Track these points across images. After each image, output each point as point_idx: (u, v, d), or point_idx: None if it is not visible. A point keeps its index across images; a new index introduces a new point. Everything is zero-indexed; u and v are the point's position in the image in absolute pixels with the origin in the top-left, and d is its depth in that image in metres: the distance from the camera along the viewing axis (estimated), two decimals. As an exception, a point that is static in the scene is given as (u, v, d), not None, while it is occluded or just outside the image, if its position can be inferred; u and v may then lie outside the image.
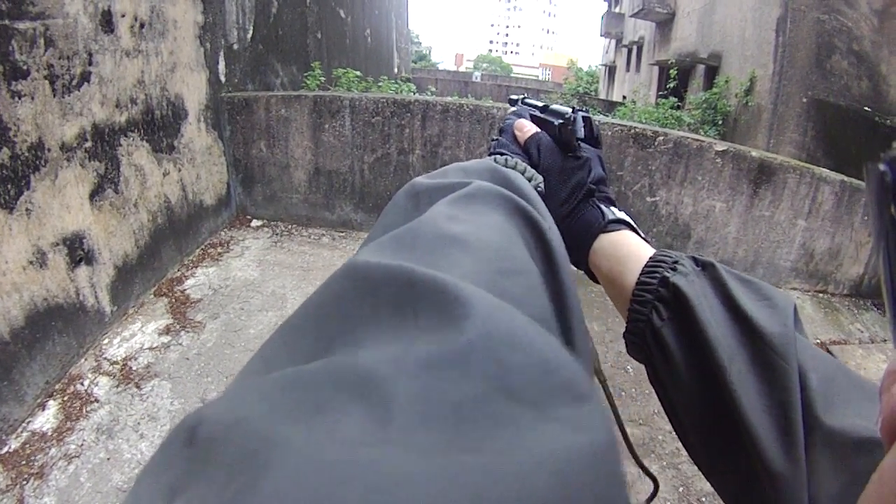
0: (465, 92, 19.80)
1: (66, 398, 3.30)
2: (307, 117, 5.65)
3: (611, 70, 27.50)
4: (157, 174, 4.47)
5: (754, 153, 5.33)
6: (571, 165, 0.76)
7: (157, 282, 4.57)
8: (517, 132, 0.82)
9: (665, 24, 16.34)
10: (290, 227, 6.01)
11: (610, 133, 5.28)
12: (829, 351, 4.64)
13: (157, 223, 4.53)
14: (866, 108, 8.15)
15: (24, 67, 2.96)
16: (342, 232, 5.99)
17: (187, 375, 3.60)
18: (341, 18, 9.89)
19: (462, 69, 59.97)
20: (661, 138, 5.27)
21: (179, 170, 4.81)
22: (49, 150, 3.23)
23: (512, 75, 54.32)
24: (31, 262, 3.13)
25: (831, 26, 8.51)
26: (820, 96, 8.61)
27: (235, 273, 4.94)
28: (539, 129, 0.81)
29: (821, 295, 5.69)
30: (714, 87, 11.01)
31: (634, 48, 20.86)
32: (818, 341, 4.81)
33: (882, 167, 0.40)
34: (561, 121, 0.78)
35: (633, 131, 5.29)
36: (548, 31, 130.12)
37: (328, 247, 5.64)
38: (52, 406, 3.24)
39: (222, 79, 5.48)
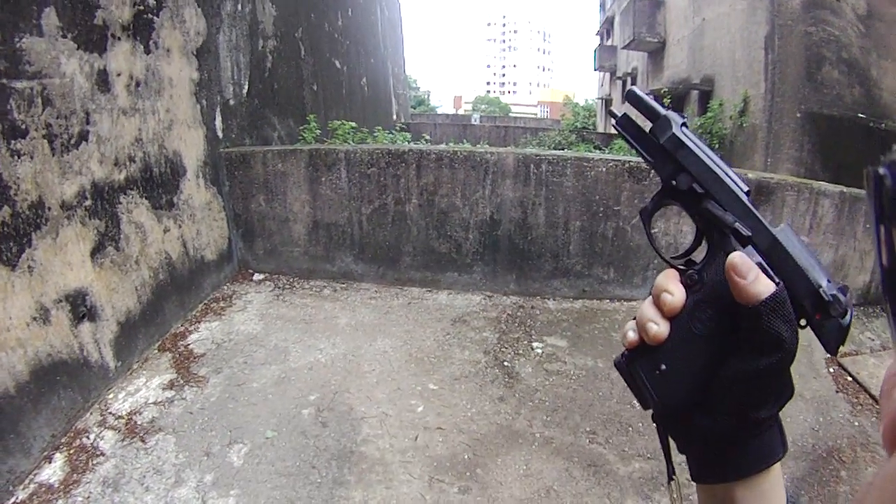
0: (463, 135, 20.06)
1: (72, 451, 3.29)
2: (304, 171, 5.73)
3: (607, 103, 27.77)
4: (157, 231, 4.52)
5: (751, 175, 5.37)
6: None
7: (160, 337, 4.57)
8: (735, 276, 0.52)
9: (657, 53, 16.58)
10: (291, 280, 6.03)
11: (605, 169, 5.34)
12: (840, 364, 4.59)
13: (159, 279, 4.56)
14: (860, 115, 8.18)
15: (23, 126, 3.04)
16: (343, 283, 6.00)
17: (192, 429, 3.58)
18: (337, 69, 10.12)
19: (461, 112, 60.54)
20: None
21: (180, 226, 4.86)
22: (49, 208, 3.29)
23: (511, 115, 54.85)
24: (34, 319, 3.15)
25: (819, 37, 8.59)
26: (813, 109, 8.64)
27: (238, 327, 4.94)
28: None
29: None
30: (708, 112, 11.08)
31: (628, 79, 21.10)
32: (828, 355, 4.73)
33: (882, 171, 0.41)
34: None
35: (627, 165, 5.34)
36: (543, 69, 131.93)
37: (330, 299, 5.65)
38: (59, 459, 3.22)
39: (220, 134, 5.59)
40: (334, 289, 5.89)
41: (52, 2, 3.23)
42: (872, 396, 4.14)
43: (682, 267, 0.60)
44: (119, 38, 3.91)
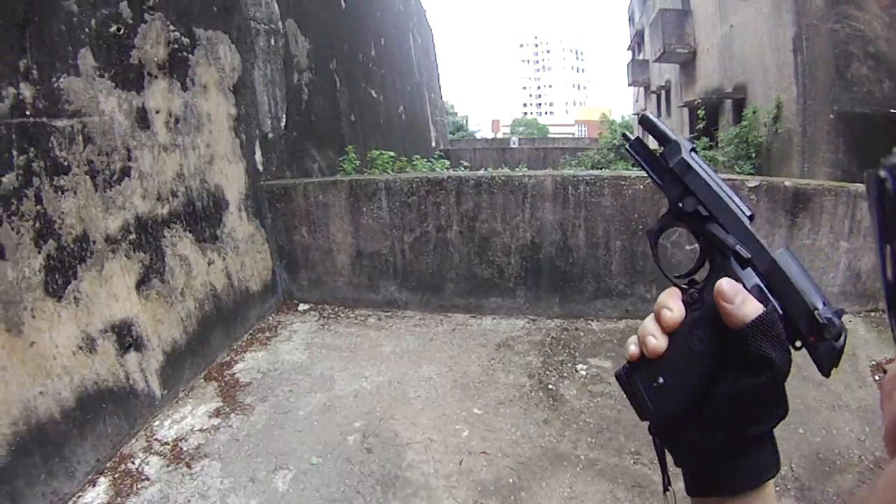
0: (502, 159, 20.11)
1: (116, 476, 3.33)
2: (345, 201, 5.79)
3: (643, 118, 27.65)
4: (201, 263, 4.61)
5: (787, 182, 5.21)
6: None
7: (206, 366, 4.64)
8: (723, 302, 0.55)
9: (688, 64, 16.42)
10: (336, 309, 6.07)
11: (642, 187, 5.26)
12: (885, 371, 4.39)
13: (205, 310, 4.64)
14: (892, 109, 7.94)
15: (65, 163, 3.16)
16: (388, 311, 6.01)
17: (237, 456, 3.58)
18: (373, 98, 10.29)
19: (499, 135, 60.80)
20: (691, 186, 5.21)
21: (224, 258, 4.96)
22: (94, 241, 3.39)
23: (549, 136, 54.79)
24: (80, 348, 3.23)
25: (845, 34, 8.38)
26: (845, 108, 8.40)
27: (284, 357, 4.98)
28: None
29: (872, 314, 5.40)
30: (742, 121, 10.85)
31: (662, 93, 20.94)
32: (874, 362, 4.56)
33: (882, 174, 0.40)
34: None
35: (663, 183, 5.24)
36: (578, 87, 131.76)
37: (374, 327, 5.65)
38: (103, 483, 3.26)
39: (260, 168, 5.71)
40: (379, 317, 5.90)
41: (87, 43, 3.37)
42: None
43: (684, 286, 0.63)
44: (156, 77, 4.04)
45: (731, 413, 0.54)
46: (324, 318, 5.87)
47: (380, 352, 5.07)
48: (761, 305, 0.54)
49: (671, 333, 0.58)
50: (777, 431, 0.56)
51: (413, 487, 3.31)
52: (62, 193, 3.13)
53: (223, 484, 3.31)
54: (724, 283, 0.55)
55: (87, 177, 3.33)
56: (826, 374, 0.56)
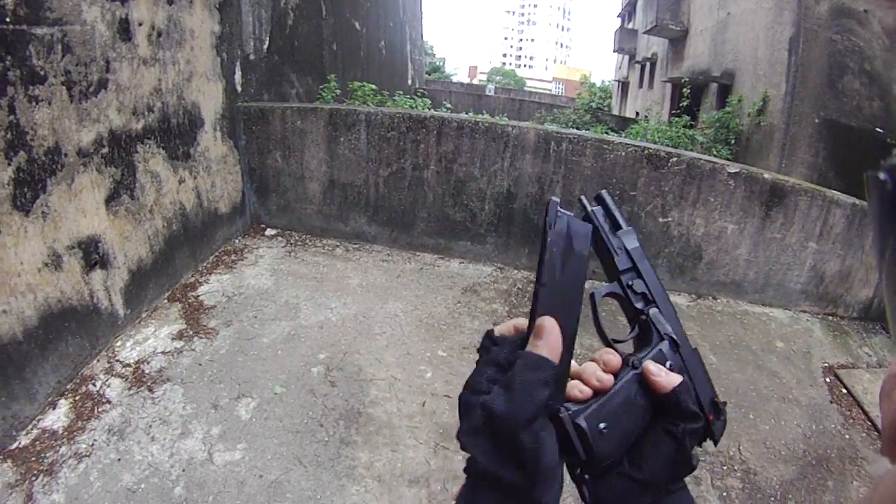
0: (478, 106, 19.83)
1: (77, 398, 3.33)
2: (323, 130, 5.70)
3: (624, 86, 27.37)
4: (172, 181, 4.51)
5: (767, 175, 5.32)
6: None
7: (171, 287, 4.61)
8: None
9: (678, 42, 16.29)
10: (304, 237, 6.05)
11: (624, 153, 5.30)
12: (836, 375, 4.61)
13: (172, 229, 4.57)
14: (878, 129, 8.10)
15: (42, 73, 3.01)
16: (356, 244, 6.01)
17: (200, 381, 3.62)
18: (356, 30, 9.99)
19: (476, 82, 59.81)
20: (675, 159, 5.27)
21: (195, 177, 4.86)
22: (66, 154, 3.28)
23: (525, 89, 54.20)
24: (45, 265, 3.17)
25: (843, 46, 8.47)
26: (832, 116, 8.56)
27: (249, 281, 4.97)
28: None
29: (830, 318, 5.65)
30: (727, 107, 10.97)
31: (647, 64, 20.77)
32: (826, 364, 4.78)
33: (882, 176, 0.40)
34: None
35: (646, 152, 5.30)
36: (561, 46, 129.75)
37: (342, 258, 5.66)
38: (64, 405, 3.27)
39: (238, 89, 5.54)
40: (346, 248, 5.90)
41: (73, -53, 3.18)
42: (865, 412, 4.19)
43: (621, 351, 0.70)
44: (141, -14, 3.86)
45: (662, 452, 0.62)
46: (291, 244, 5.85)
47: (346, 283, 5.10)
48: (681, 376, 0.65)
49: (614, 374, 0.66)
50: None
51: (376, 425, 3.40)
52: (36, 104, 3.00)
53: (185, 409, 3.35)
54: (650, 365, 0.65)
55: (64, 87, 3.19)
56: (716, 444, 0.69)
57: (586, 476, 0.63)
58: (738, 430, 3.74)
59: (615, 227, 0.75)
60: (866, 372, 4.74)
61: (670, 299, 0.74)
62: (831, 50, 8.59)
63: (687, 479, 0.67)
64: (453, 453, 3.23)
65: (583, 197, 0.79)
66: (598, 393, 0.64)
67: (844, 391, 4.45)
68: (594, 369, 0.65)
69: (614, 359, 0.66)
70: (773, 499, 3.27)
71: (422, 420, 3.49)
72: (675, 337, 0.71)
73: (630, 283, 0.73)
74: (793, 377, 4.51)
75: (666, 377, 0.64)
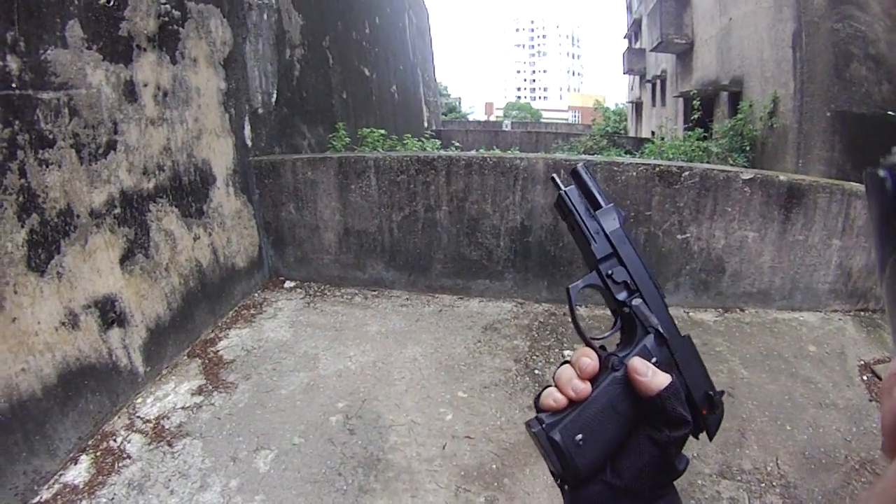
0: (494, 142, 20.06)
1: (98, 454, 3.33)
2: (334, 178, 5.75)
3: (637, 106, 27.56)
4: (187, 239, 4.57)
5: (782, 177, 5.23)
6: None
7: (190, 343, 4.62)
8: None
9: (685, 55, 16.40)
10: (322, 287, 6.06)
11: (635, 174, 5.25)
12: (874, 372, 4.45)
13: (189, 286, 4.61)
14: (889, 112, 7.97)
15: (51, 136, 3.10)
16: (374, 291, 6.01)
17: (219, 435, 3.59)
18: (366, 77, 10.20)
19: (492, 118, 60.68)
20: (687, 173, 5.20)
21: (210, 234, 4.92)
22: (78, 216, 3.35)
23: (542, 120, 54.84)
24: (62, 324, 3.20)
25: (846, 34, 8.39)
26: (843, 108, 8.44)
27: (268, 334, 4.97)
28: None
29: (862, 314, 5.47)
30: (738, 114, 10.89)
31: (658, 82, 20.95)
32: (862, 363, 4.60)
33: (882, 173, 0.39)
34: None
35: (657, 169, 5.24)
36: (574, 73, 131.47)
37: (360, 306, 5.65)
38: (85, 461, 3.26)
39: (249, 143, 5.65)
40: (365, 296, 5.89)
41: (76, 14, 3.29)
42: None
43: (600, 351, 0.66)
44: (145, 49, 3.97)
45: (645, 460, 0.59)
46: (310, 295, 5.86)
47: (365, 331, 5.07)
48: (669, 376, 0.61)
49: (591, 381, 0.63)
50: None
51: (395, 471, 3.32)
52: (47, 167, 3.08)
53: (204, 463, 3.32)
54: (636, 362, 0.62)
55: (73, 150, 3.28)
56: (711, 439, 0.67)
57: (565, 486, 0.62)
58: (774, 443, 3.57)
59: (595, 205, 0.71)
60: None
61: (658, 284, 0.70)
62: (834, 40, 8.51)
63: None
64: (475, 496, 3.14)
65: (555, 175, 0.74)
66: (574, 402, 0.62)
67: (884, 387, 4.27)
68: (570, 376, 0.63)
69: (591, 363, 0.63)
70: (816, 511, 3.12)
71: (442, 463, 3.40)
72: (660, 329, 0.66)
73: (610, 271, 0.69)
74: (828, 381, 4.35)
75: (651, 378, 0.61)
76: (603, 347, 0.67)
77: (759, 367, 4.54)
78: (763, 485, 3.26)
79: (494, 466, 3.37)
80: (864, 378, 4.40)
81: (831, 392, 4.20)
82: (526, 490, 3.19)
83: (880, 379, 4.34)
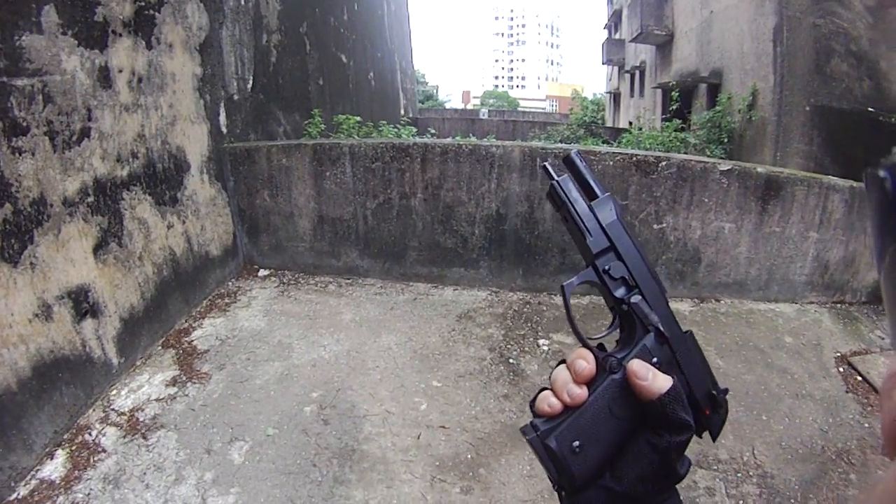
0: (471, 130, 20.02)
1: (74, 448, 3.30)
2: (308, 166, 5.71)
3: (615, 97, 27.68)
4: (161, 227, 4.52)
5: (760, 169, 5.32)
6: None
7: (164, 333, 4.58)
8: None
9: (665, 47, 16.48)
10: (296, 275, 6.03)
11: (612, 163, 5.29)
12: (850, 364, 4.55)
13: (163, 275, 4.56)
14: (870, 109, 8.09)
15: (24, 124, 3.04)
16: (349, 279, 5.99)
17: (193, 426, 3.58)
18: (343, 63, 10.11)
19: (469, 107, 60.55)
20: (664, 163, 5.26)
21: (184, 222, 4.86)
22: (51, 205, 3.29)
23: (519, 109, 54.83)
24: (36, 315, 3.16)
25: (828, 30, 8.46)
26: (823, 102, 8.54)
27: (242, 323, 4.94)
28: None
29: (838, 306, 5.61)
30: (717, 105, 10.96)
31: (637, 73, 21.03)
32: (838, 354, 4.72)
33: (882, 174, 0.40)
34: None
35: (634, 159, 5.28)
36: (552, 63, 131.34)
37: (335, 294, 5.64)
38: (61, 455, 3.24)
39: (224, 130, 5.58)
40: (339, 284, 5.88)
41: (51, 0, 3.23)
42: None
43: (596, 351, 0.64)
44: (120, 35, 3.89)
45: (644, 467, 0.58)
46: (284, 284, 5.84)
47: (339, 320, 5.07)
48: (670, 378, 0.59)
49: (587, 385, 0.61)
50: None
51: (370, 461, 3.35)
52: (20, 155, 3.01)
53: (179, 455, 3.31)
54: (636, 365, 0.60)
55: (46, 137, 3.21)
56: (715, 439, 0.66)
57: (562, 492, 0.61)
58: (750, 433, 3.66)
59: (590, 195, 0.68)
60: (880, 356, 4.66)
61: (658, 279, 0.67)
62: (816, 35, 8.58)
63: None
64: (450, 486, 3.18)
65: (546, 164, 0.71)
66: (570, 407, 0.60)
67: (859, 379, 4.37)
68: (565, 380, 0.61)
69: (587, 366, 0.61)
70: (793, 501, 3.18)
71: (417, 453, 3.43)
72: (661, 327, 0.64)
73: (607, 267, 0.65)
74: (805, 371, 4.45)
75: (652, 381, 0.59)
76: (601, 346, 0.65)
77: (735, 357, 4.63)
78: (740, 475, 3.34)
79: (469, 456, 3.41)
80: (841, 369, 4.51)
81: (808, 383, 4.30)
82: (501, 480, 3.23)
83: (856, 370, 4.45)
